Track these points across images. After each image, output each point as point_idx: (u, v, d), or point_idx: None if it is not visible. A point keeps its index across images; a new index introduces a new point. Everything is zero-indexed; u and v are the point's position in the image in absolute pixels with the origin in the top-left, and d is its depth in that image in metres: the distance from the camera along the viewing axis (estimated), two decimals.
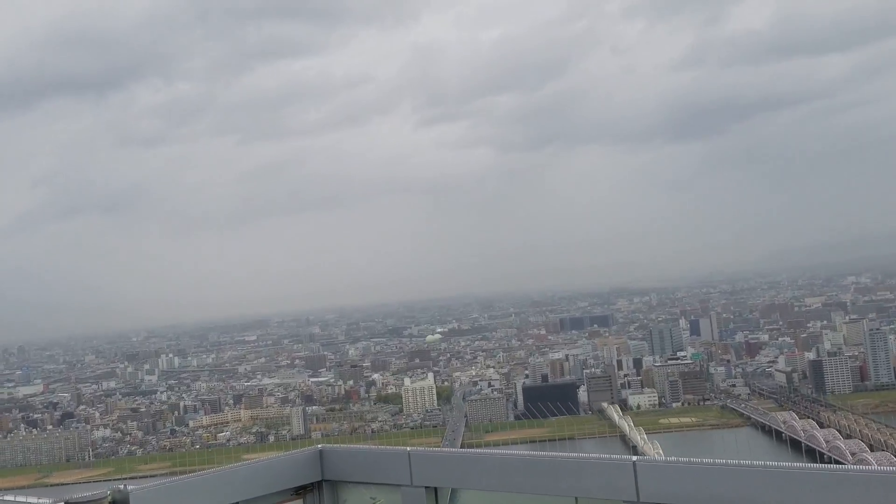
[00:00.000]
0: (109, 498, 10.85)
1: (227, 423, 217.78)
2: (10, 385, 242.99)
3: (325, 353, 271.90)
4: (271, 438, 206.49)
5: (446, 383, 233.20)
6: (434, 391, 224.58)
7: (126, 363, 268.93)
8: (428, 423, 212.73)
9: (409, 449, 12.38)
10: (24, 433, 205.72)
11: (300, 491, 13.73)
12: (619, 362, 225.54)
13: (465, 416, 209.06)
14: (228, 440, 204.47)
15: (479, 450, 12.36)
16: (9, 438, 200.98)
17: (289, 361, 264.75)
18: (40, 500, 10.47)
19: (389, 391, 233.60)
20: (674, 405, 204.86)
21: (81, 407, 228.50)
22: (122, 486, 11.07)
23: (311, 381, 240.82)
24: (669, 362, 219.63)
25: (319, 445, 13.99)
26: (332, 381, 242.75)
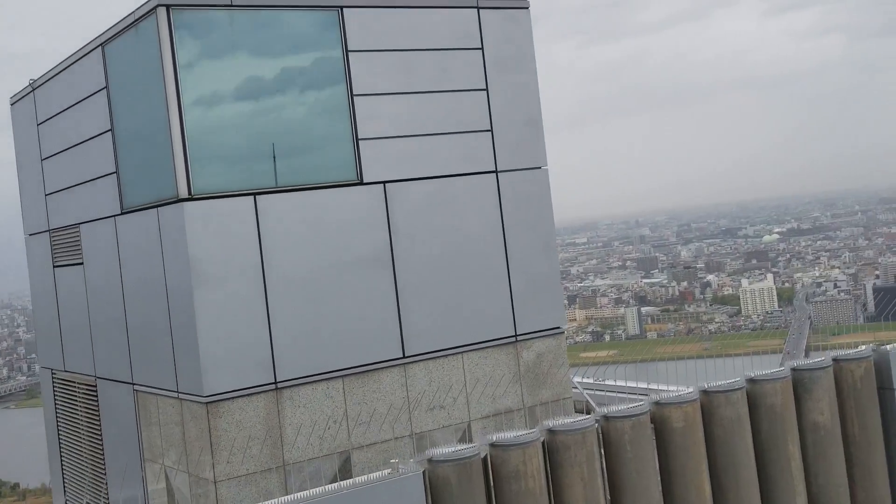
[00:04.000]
0: (872, 357, 10.24)
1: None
2: None
3: (657, 254, 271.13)
4: (607, 338, 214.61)
5: (787, 284, 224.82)
6: (774, 292, 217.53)
7: None
8: (769, 324, 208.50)
9: None
10: None
11: None
12: None
13: (810, 317, 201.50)
14: (567, 339, 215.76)
15: None
16: None
17: (620, 263, 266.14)
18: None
19: (726, 292, 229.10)
20: None
21: None
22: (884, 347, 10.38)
23: (644, 282, 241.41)
24: None
25: None
26: (665, 282, 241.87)
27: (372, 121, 12.63)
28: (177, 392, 12.05)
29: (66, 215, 15.13)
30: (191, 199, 11.41)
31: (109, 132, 13.22)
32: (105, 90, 13.24)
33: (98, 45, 13.30)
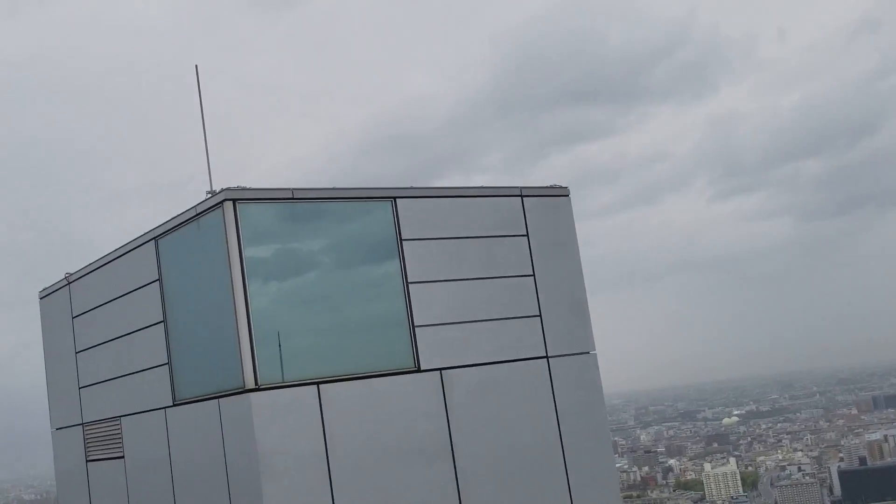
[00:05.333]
0: None
1: None
2: None
3: (616, 438, 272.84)
4: None
5: (750, 468, 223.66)
6: (738, 476, 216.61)
7: None
8: None
9: None
10: None
11: None
12: None
13: (776, 502, 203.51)
14: None
15: None
16: None
17: None
18: None
19: (689, 477, 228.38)
20: None
21: None
22: None
23: None
24: None
25: None
26: (626, 467, 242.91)
27: (426, 308, 12.80)
28: None
29: (103, 408, 14.89)
30: (257, 389, 11.34)
31: (161, 324, 13.21)
32: (157, 282, 13.32)
33: (150, 239, 13.47)
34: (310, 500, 11.39)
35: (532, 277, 13.78)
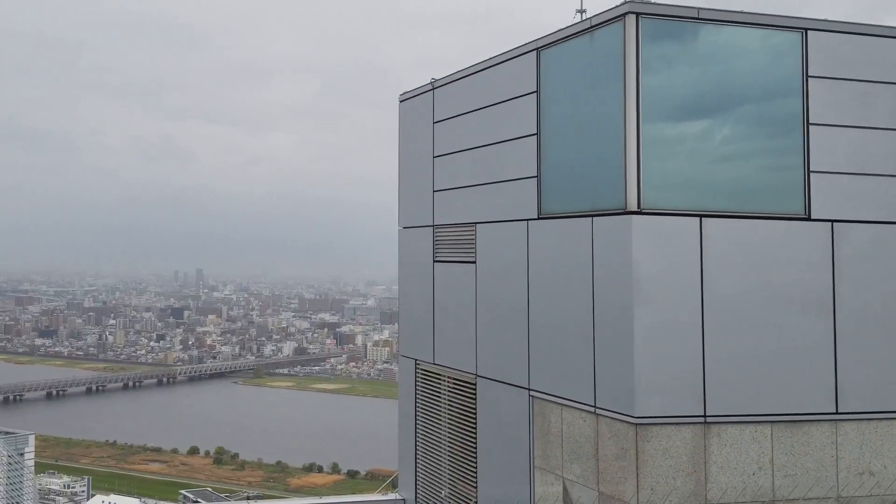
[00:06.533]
0: None
1: None
2: None
3: None
4: None
5: None
6: None
7: None
8: None
9: None
10: None
11: None
12: None
13: None
14: None
15: None
16: None
17: None
18: None
19: None
20: None
21: None
22: None
23: None
24: None
25: None
26: None
27: (825, 153, 11.67)
28: (594, 407, 11.48)
29: (458, 213, 14.96)
30: (639, 212, 10.82)
31: (534, 136, 12.86)
32: (535, 94, 12.89)
33: (532, 50, 12.99)
34: (680, 330, 10.95)
35: None
